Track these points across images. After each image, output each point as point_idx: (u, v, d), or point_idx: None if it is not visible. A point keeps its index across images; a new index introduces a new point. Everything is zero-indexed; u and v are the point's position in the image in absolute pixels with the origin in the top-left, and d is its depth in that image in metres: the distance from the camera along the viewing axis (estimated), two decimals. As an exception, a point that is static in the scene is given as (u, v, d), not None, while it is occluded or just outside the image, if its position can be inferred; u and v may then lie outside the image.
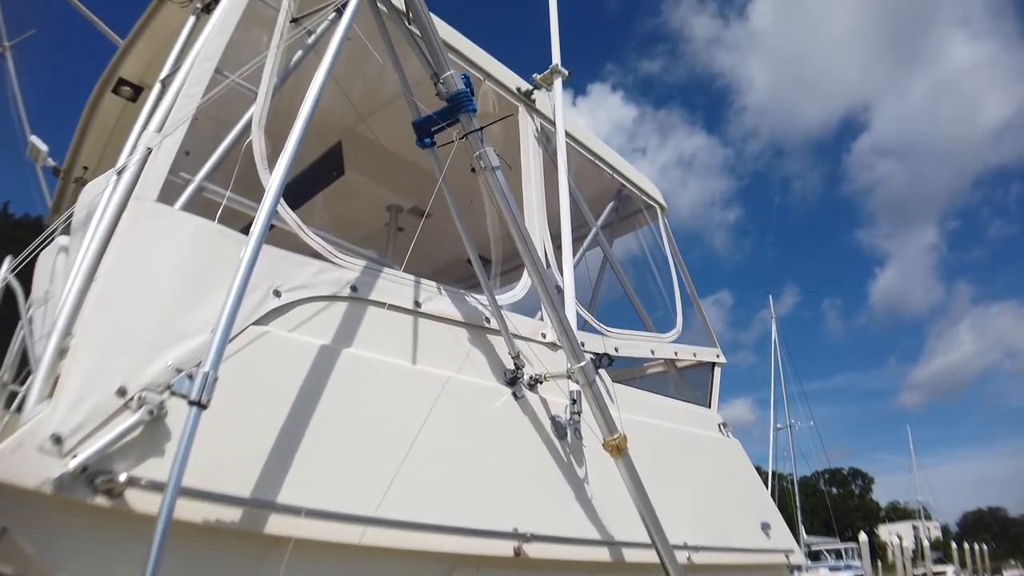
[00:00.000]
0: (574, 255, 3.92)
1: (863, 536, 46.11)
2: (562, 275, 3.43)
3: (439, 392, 2.43)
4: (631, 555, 2.81)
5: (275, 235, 2.43)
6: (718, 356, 4.70)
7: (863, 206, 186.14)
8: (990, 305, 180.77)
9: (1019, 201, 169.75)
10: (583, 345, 3.36)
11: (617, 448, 2.57)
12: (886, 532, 62.93)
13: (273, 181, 1.88)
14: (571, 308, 3.22)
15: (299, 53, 2.77)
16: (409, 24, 2.72)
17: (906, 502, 78.76)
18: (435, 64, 2.64)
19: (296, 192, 5.00)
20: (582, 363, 2.59)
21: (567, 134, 4.20)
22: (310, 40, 2.86)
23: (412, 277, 2.70)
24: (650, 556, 2.60)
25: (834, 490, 78.69)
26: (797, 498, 46.50)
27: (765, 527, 4.12)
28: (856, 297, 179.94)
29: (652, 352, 4.04)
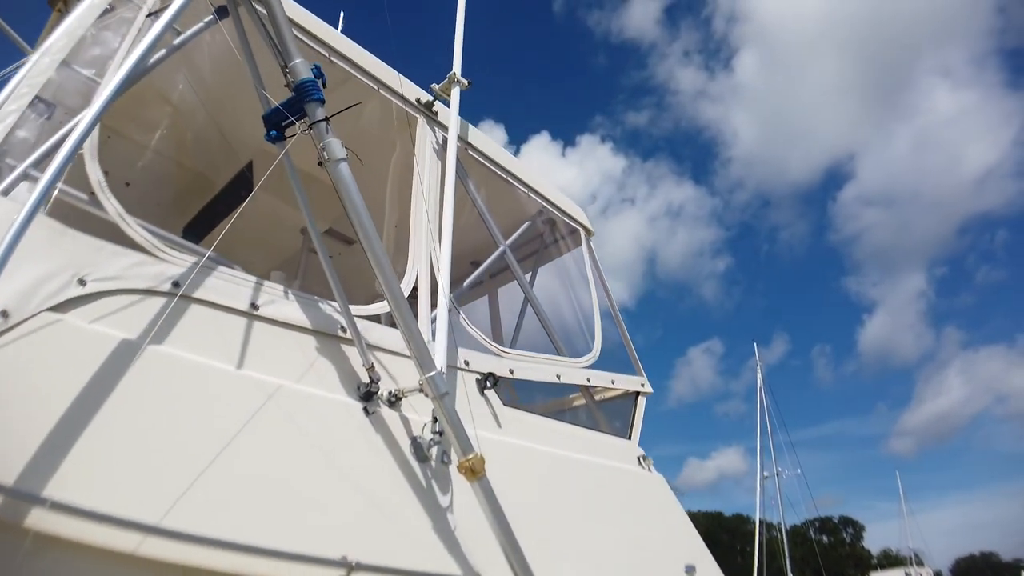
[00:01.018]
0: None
1: (853, 584, 45.41)
2: (440, 283, 3.19)
3: (264, 401, 2.19)
4: None
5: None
6: (643, 385, 4.45)
7: (850, 254, 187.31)
8: (979, 349, 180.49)
9: (1005, 247, 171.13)
10: (468, 364, 3.14)
11: (471, 470, 2.32)
12: (879, 580, 62.12)
13: (59, 155, 1.71)
14: (444, 317, 2.97)
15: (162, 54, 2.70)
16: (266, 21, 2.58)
17: (898, 549, 77.88)
18: (283, 52, 2.47)
19: (209, 215, 4.84)
20: (431, 372, 2.35)
21: (476, 150, 4.04)
22: (176, 41, 2.82)
23: (253, 278, 2.49)
24: None
25: (825, 538, 77.61)
26: (786, 546, 45.88)
27: (690, 570, 3.81)
28: (845, 344, 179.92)
29: (558, 376, 3.77)
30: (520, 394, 3.82)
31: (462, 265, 5.28)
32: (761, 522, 44.75)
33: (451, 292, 3.37)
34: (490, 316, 5.30)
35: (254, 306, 2.42)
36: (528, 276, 4.85)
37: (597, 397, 4.48)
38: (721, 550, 61.84)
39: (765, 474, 45.13)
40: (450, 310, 3.26)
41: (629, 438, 4.16)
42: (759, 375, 45.14)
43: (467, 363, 3.13)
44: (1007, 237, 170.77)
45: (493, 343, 3.38)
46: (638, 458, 4.06)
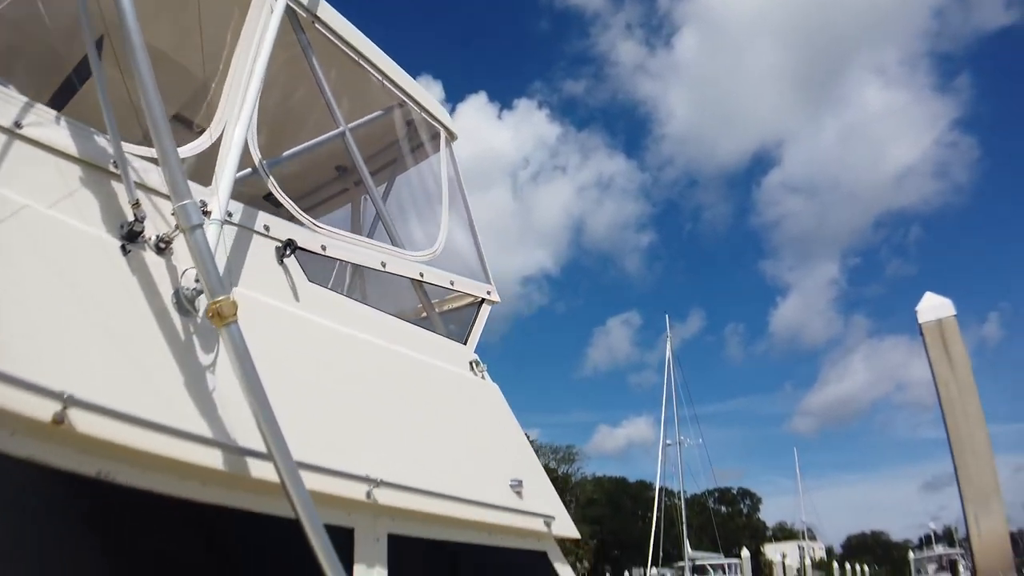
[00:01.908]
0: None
1: (745, 552, 47.51)
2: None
3: (6, 216, 1.98)
4: (257, 469, 2.32)
5: None
6: (489, 293, 4.31)
7: (769, 239, 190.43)
8: (884, 338, 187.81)
9: (917, 243, 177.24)
10: (267, 229, 2.93)
11: (219, 314, 2.13)
12: (772, 551, 64.84)
13: None
14: (232, 162, 2.75)
15: None
16: None
17: (792, 523, 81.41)
18: None
19: (60, 93, 4.48)
20: (184, 201, 2.15)
21: (325, 24, 3.79)
22: None
23: (24, 97, 2.29)
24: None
25: (723, 508, 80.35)
26: (683, 513, 47.44)
27: (516, 485, 3.62)
28: (758, 324, 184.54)
29: (383, 264, 3.58)
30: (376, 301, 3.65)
31: (326, 170, 5.06)
32: (661, 489, 46.15)
33: (265, 160, 3.15)
34: (351, 223, 5.10)
35: (17, 124, 2.21)
36: (385, 187, 4.67)
37: (446, 307, 4.34)
38: (623, 515, 63.43)
39: (668, 442, 46.68)
40: (254, 171, 3.04)
41: (465, 343, 4.01)
42: (668, 346, 46.51)
43: (267, 228, 2.91)
44: (920, 234, 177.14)
45: (305, 215, 3.16)
46: (470, 363, 3.92)
